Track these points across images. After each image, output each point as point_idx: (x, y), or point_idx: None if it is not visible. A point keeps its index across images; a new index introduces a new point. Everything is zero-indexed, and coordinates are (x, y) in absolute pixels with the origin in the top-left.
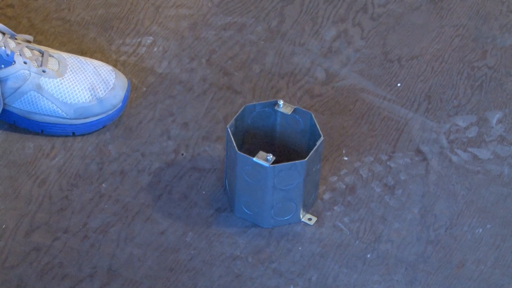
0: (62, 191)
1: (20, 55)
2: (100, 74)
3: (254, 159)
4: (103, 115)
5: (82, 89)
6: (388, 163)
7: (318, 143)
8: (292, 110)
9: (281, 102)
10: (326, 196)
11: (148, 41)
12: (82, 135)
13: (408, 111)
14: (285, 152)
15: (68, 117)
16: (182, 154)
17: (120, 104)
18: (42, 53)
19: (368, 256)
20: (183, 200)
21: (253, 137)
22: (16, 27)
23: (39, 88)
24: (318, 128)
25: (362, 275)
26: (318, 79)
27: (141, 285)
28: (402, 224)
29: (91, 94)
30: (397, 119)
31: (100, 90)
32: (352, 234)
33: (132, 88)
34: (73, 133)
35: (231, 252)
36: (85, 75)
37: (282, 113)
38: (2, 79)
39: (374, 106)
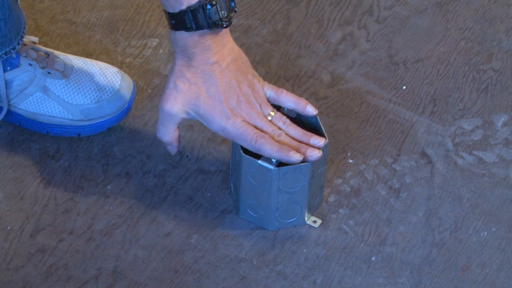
0: (67, 192)
1: (26, 56)
2: (105, 76)
3: (259, 161)
4: (109, 117)
5: (87, 91)
6: (393, 165)
7: (323, 146)
8: (297, 112)
9: None
10: (331, 198)
11: (154, 43)
12: (88, 136)
13: (413, 114)
14: None
15: (73, 118)
16: (187, 156)
17: (126, 105)
18: (47, 55)
19: (373, 258)
20: (188, 202)
21: None
22: None
23: (44, 90)
24: (323, 130)
25: (367, 278)
26: (324, 82)
27: (146, 287)
28: (407, 227)
29: (97, 96)
30: (402, 122)
31: (106, 92)
32: (357, 236)
33: (137, 90)
34: (79, 135)
35: (236, 254)
36: (90, 77)
37: (288, 116)
38: (8, 80)
39: (379, 109)
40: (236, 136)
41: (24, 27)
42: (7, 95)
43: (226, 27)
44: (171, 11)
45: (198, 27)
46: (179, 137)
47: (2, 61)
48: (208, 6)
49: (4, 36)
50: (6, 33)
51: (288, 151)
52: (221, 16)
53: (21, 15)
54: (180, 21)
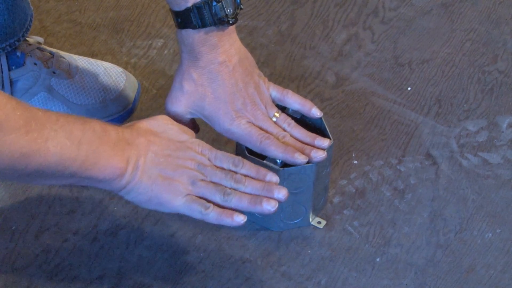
0: (72, 193)
1: (31, 56)
2: (110, 76)
3: (264, 162)
4: (113, 117)
5: (92, 91)
6: (398, 167)
7: (327, 147)
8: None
9: None
10: (336, 199)
11: (159, 43)
12: None
13: (418, 115)
14: None
15: None
16: None
17: (130, 106)
18: (52, 55)
19: (378, 260)
20: None
21: None
22: None
23: (49, 89)
24: (328, 131)
25: (371, 279)
26: (329, 83)
27: (151, 287)
28: (411, 228)
29: (102, 96)
30: (407, 123)
31: (111, 92)
32: (362, 238)
33: (142, 91)
34: None
35: (241, 255)
36: (95, 77)
37: (292, 117)
38: (13, 80)
39: (384, 110)
40: (241, 138)
41: (31, 20)
42: (12, 95)
43: (232, 24)
44: (176, 9)
45: (204, 24)
46: (195, 125)
47: (7, 60)
48: (214, 3)
49: (7, 27)
50: (10, 24)
51: (293, 152)
52: (227, 12)
53: (27, 7)
54: (185, 19)
